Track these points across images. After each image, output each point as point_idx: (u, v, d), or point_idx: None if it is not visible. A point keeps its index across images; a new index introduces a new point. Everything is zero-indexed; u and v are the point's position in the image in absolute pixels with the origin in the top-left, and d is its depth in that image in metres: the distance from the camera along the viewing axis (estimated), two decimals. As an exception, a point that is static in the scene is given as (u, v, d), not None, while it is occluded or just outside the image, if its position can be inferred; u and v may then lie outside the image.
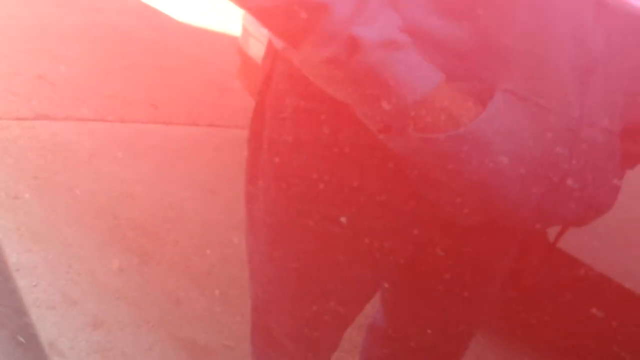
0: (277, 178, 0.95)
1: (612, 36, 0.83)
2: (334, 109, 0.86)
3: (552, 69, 0.82)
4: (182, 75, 3.39)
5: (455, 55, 0.83)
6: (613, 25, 0.82)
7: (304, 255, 0.98)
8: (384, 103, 0.81)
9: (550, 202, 0.86)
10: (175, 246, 2.13)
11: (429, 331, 1.10)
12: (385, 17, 0.80)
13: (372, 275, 1.02)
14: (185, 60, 3.57)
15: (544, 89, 0.83)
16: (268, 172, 0.96)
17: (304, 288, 1.01)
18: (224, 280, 2.05)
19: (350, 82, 0.82)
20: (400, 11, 0.82)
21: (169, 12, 4.09)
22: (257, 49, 2.69)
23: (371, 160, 0.89)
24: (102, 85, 3.06)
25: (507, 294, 1.12)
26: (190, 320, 1.83)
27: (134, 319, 1.79)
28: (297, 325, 1.05)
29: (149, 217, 2.23)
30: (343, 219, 0.93)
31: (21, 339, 1.58)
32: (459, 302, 1.06)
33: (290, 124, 0.91)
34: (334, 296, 1.01)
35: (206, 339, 1.78)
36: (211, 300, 1.96)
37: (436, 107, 0.82)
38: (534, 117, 0.82)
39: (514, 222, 0.94)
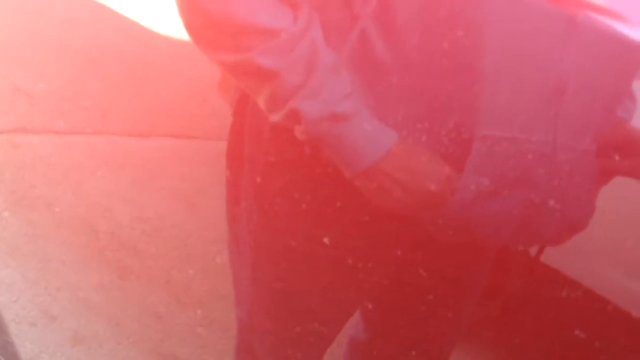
0: (259, 198, 0.96)
1: (585, 52, 0.84)
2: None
3: (523, 96, 0.84)
4: (161, 87, 3.38)
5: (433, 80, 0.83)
6: (585, 41, 0.83)
7: (288, 275, 0.99)
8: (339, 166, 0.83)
9: (531, 223, 0.88)
10: (155, 260, 2.13)
11: (413, 352, 1.11)
12: (331, 87, 0.81)
13: (356, 296, 1.03)
14: (163, 72, 3.56)
15: (516, 119, 0.84)
16: (250, 192, 0.97)
17: (288, 309, 1.02)
18: (205, 294, 2.05)
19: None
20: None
21: (147, 25, 4.08)
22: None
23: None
24: (79, 98, 3.04)
25: (489, 309, 1.13)
26: (170, 335, 1.83)
27: (114, 335, 1.78)
28: (280, 346, 1.06)
29: (129, 230, 2.22)
30: (326, 240, 0.93)
31: (0, 357, 1.57)
32: (442, 321, 1.07)
33: (271, 144, 0.92)
34: (317, 317, 1.02)
35: (187, 354, 1.78)
36: (192, 315, 1.96)
37: (388, 174, 0.83)
38: (513, 149, 0.84)
39: (495, 242, 0.96)
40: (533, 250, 1.05)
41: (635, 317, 1.49)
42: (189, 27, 0.84)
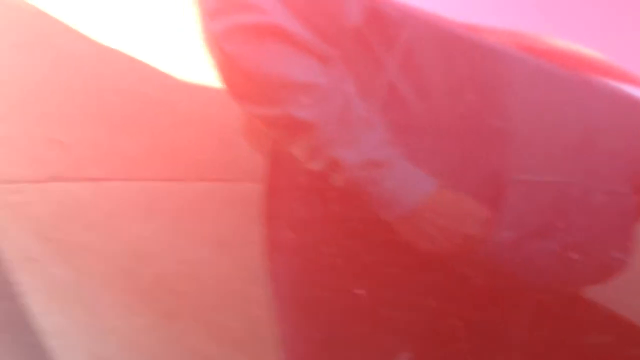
0: (293, 253, 1.00)
1: (609, 106, 0.87)
2: (342, 187, 0.91)
3: (552, 144, 0.87)
4: (190, 133, 3.44)
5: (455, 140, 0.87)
6: (606, 98, 0.87)
7: (328, 326, 1.02)
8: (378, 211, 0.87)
9: (568, 265, 0.91)
10: (195, 301, 2.17)
11: None
12: (367, 136, 0.85)
13: (392, 345, 1.06)
14: (191, 118, 3.63)
15: (548, 164, 0.87)
16: (285, 247, 1.01)
17: (326, 359, 1.05)
18: (244, 333, 2.08)
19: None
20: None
21: (174, 74, 4.16)
22: (260, 105, 2.74)
23: (381, 233, 0.93)
24: (112, 144, 3.11)
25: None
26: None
27: (162, 376, 1.82)
28: None
29: (168, 273, 2.26)
30: (360, 291, 0.97)
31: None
32: None
33: (301, 202, 0.96)
34: None
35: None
36: (231, 354, 1.99)
37: (427, 218, 0.86)
38: (546, 192, 0.87)
39: (533, 286, 0.98)
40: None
41: None
42: (226, 82, 0.89)
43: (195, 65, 4.30)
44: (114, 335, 1.94)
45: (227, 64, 0.85)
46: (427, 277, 0.94)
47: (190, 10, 0.92)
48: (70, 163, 2.91)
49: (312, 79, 0.84)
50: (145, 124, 3.53)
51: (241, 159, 3.25)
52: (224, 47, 0.84)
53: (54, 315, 1.98)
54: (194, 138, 3.46)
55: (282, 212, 1.01)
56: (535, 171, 0.85)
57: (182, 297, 2.16)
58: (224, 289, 2.34)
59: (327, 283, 0.98)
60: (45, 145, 2.99)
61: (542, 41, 0.81)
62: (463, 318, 1.01)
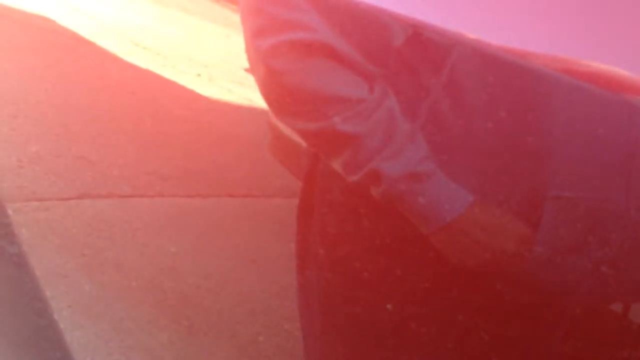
0: (323, 269, 1.00)
1: None
2: (372, 201, 0.92)
3: (592, 162, 0.87)
4: (215, 149, 3.48)
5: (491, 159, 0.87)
6: None
7: (355, 341, 1.02)
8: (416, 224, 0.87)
9: (605, 283, 0.90)
10: (221, 316, 2.17)
11: None
12: (410, 150, 0.86)
13: None
14: (216, 134, 3.67)
15: (587, 181, 0.87)
16: (314, 263, 1.02)
17: None
18: (270, 348, 2.08)
19: (382, 200, 0.88)
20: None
21: (198, 90, 4.22)
22: (286, 122, 2.75)
23: (412, 249, 0.93)
24: (139, 162, 3.15)
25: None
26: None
27: (187, 391, 1.82)
28: None
29: (194, 289, 2.27)
30: (389, 306, 0.97)
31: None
32: None
33: (334, 217, 0.97)
34: None
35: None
36: (258, 369, 1.99)
37: (465, 231, 0.86)
38: (585, 209, 0.86)
39: (570, 303, 0.97)
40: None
41: None
42: (269, 98, 0.90)
43: (224, 84, 4.36)
44: (138, 350, 1.95)
45: (273, 80, 0.86)
46: (456, 293, 0.94)
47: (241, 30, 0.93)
48: (99, 180, 2.95)
49: (357, 94, 0.84)
50: (173, 142, 3.58)
51: (269, 175, 3.27)
52: (270, 63, 0.85)
53: (80, 330, 1.99)
54: (222, 155, 3.49)
55: (312, 228, 1.01)
56: (573, 188, 0.84)
57: (208, 313, 2.17)
58: (251, 305, 2.35)
59: (357, 298, 0.98)
60: (74, 163, 3.04)
61: (582, 64, 0.81)
62: (492, 333, 1.00)
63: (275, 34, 0.87)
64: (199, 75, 4.74)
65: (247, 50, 0.90)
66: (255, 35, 0.90)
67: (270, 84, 0.87)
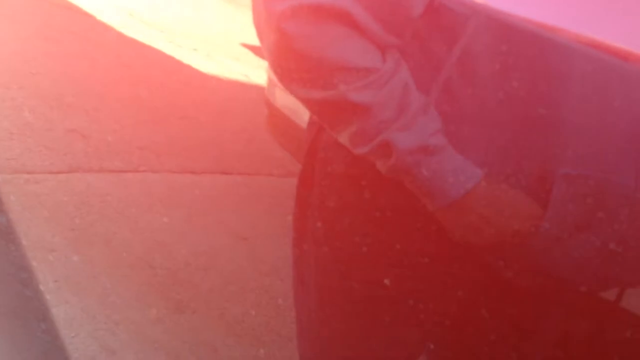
0: (323, 242, 0.98)
1: None
2: (374, 175, 0.89)
3: (603, 140, 0.84)
4: (210, 125, 3.45)
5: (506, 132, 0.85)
6: None
7: (351, 316, 1.00)
8: (422, 199, 0.84)
9: (609, 265, 0.88)
10: (210, 294, 2.15)
11: None
12: (422, 122, 0.83)
13: (418, 336, 1.03)
14: (212, 111, 3.64)
15: (598, 160, 0.84)
16: (315, 236, 0.99)
17: (351, 349, 1.03)
18: (259, 326, 2.06)
19: (389, 175, 0.85)
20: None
21: (195, 65, 4.18)
22: (283, 100, 2.74)
23: (413, 223, 0.91)
24: (132, 137, 3.12)
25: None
26: (228, 368, 1.84)
27: (172, 368, 1.80)
28: None
29: (184, 266, 2.25)
30: (387, 281, 0.94)
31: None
32: None
33: (333, 190, 0.94)
34: (380, 357, 1.03)
35: (245, 387, 1.79)
36: (247, 347, 1.96)
37: (474, 208, 0.84)
38: (594, 188, 0.84)
39: (574, 284, 0.95)
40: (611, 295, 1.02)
41: None
42: (279, 65, 0.87)
43: (221, 59, 4.30)
44: (125, 326, 1.93)
45: (286, 45, 0.82)
46: (457, 269, 0.92)
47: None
48: (90, 154, 2.90)
49: (370, 64, 0.81)
50: (167, 117, 3.54)
51: (263, 153, 3.24)
52: (284, 26, 0.81)
53: (67, 304, 1.96)
54: (216, 132, 3.46)
55: (310, 201, 0.98)
56: (583, 165, 0.82)
57: (197, 290, 2.14)
58: (242, 282, 2.32)
59: (354, 272, 0.95)
60: (66, 136, 3.01)
61: (601, 40, 0.79)
62: (491, 310, 0.98)
63: None
64: (196, 49, 4.69)
65: (258, 14, 0.86)
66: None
67: (283, 49, 0.83)
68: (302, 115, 2.50)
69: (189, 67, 4.19)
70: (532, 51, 0.83)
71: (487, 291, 0.97)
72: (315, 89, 0.84)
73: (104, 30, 4.62)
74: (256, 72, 4.09)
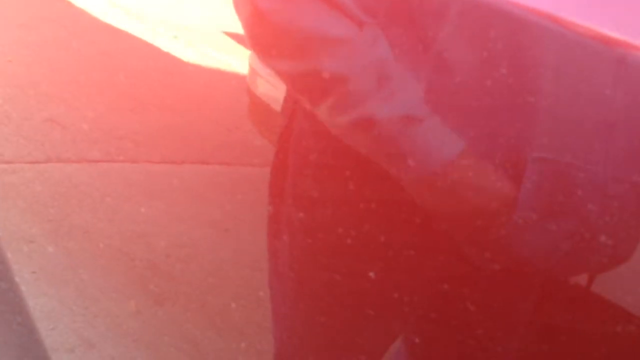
0: (302, 233, 0.96)
1: (634, 91, 0.84)
2: (358, 164, 0.88)
3: (575, 126, 0.84)
4: (191, 115, 3.41)
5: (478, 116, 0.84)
6: (634, 81, 0.83)
7: (332, 309, 0.99)
8: (402, 174, 0.83)
9: (579, 256, 0.87)
10: (190, 286, 2.13)
11: None
12: (405, 92, 0.82)
13: (403, 330, 1.03)
14: (193, 100, 3.60)
15: (570, 146, 0.84)
16: (293, 227, 0.97)
17: (331, 341, 1.02)
18: (240, 319, 2.04)
19: (366, 149, 0.84)
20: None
21: (176, 54, 4.14)
22: (264, 89, 2.72)
23: (398, 215, 0.89)
24: (111, 127, 3.08)
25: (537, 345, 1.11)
26: (208, 361, 1.82)
27: (152, 361, 1.78)
28: None
29: (164, 257, 2.23)
30: (372, 274, 0.93)
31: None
32: (491, 356, 1.05)
33: (315, 180, 0.93)
34: (361, 350, 1.02)
35: (225, 380, 1.77)
36: (228, 340, 1.95)
37: (451, 181, 0.83)
38: (566, 174, 0.83)
39: (542, 270, 0.95)
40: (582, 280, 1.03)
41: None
42: (254, 37, 0.86)
43: (201, 47, 4.26)
44: (104, 318, 1.90)
45: (259, 19, 0.80)
46: (442, 261, 0.90)
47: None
48: (68, 144, 2.86)
49: (348, 34, 0.80)
50: (147, 106, 3.50)
51: (245, 143, 3.22)
52: (257, 1, 0.80)
53: (44, 296, 1.93)
54: (197, 121, 3.43)
55: (291, 191, 0.96)
56: (556, 151, 0.81)
57: (177, 282, 2.12)
58: (222, 274, 2.30)
59: (337, 264, 0.93)
60: (44, 125, 2.96)
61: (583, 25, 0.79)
62: (477, 303, 0.96)
63: None
64: (176, 37, 4.64)
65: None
66: None
67: (256, 23, 0.82)
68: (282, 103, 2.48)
69: (168, 55, 4.14)
70: (509, 37, 0.82)
71: (472, 284, 0.96)
72: (293, 61, 0.83)
73: (82, 17, 4.55)
74: (238, 60, 4.05)
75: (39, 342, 1.77)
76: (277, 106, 2.85)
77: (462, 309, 0.98)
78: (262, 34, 0.84)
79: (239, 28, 0.89)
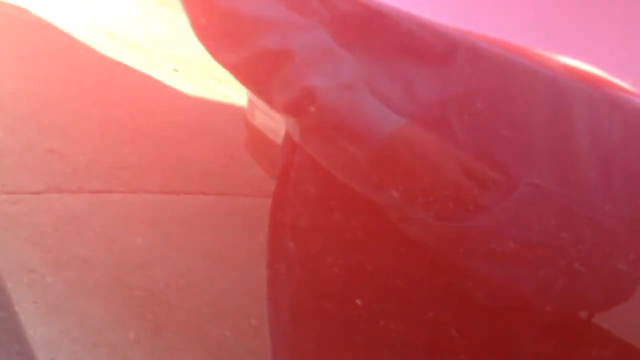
0: (293, 263, 0.99)
1: (629, 129, 0.86)
2: (345, 196, 0.90)
3: (574, 160, 0.85)
4: (190, 146, 3.45)
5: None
6: (629, 116, 0.85)
7: (324, 337, 1.01)
8: (353, 147, 0.84)
9: (561, 287, 0.89)
10: (189, 315, 2.15)
11: None
12: (345, 69, 0.84)
13: (390, 357, 1.04)
14: (191, 132, 3.64)
15: (566, 179, 0.85)
16: (287, 257, 1.01)
17: None
18: (237, 348, 2.06)
19: (315, 133, 0.86)
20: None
21: (174, 86, 4.18)
22: (262, 120, 2.76)
23: (384, 244, 0.92)
24: (111, 158, 3.11)
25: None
26: (207, 390, 1.84)
27: (151, 390, 1.79)
28: None
29: (162, 287, 2.25)
30: (359, 301, 0.96)
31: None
32: None
33: (303, 211, 0.96)
34: None
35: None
36: (226, 370, 1.96)
37: (403, 152, 0.84)
38: (557, 203, 0.85)
39: (524, 303, 0.96)
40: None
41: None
42: (197, 28, 0.88)
43: (201, 80, 4.31)
44: (105, 348, 1.92)
45: (208, 7, 0.84)
46: (428, 289, 0.93)
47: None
48: (69, 175, 2.90)
49: (290, 18, 0.83)
50: (147, 137, 3.53)
51: (243, 174, 3.25)
52: None
53: (45, 325, 1.96)
54: (196, 152, 3.46)
55: (283, 221, 1.00)
56: (548, 180, 0.84)
57: (176, 311, 2.14)
58: (220, 304, 2.32)
59: (326, 293, 0.96)
60: (45, 156, 3.00)
61: (549, 57, 0.81)
62: (463, 332, 0.98)
63: None
64: (176, 70, 4.70)
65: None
66: None
67: (196, 10, 0.85)
68: (280, 134, 2.52)
69: (169, 88, 4.20)
70: (498, 73, 0.84)
71: (457, 312, 0.97)
72: (239, 49, 0.86)
73: (83, 50, 4.61)
74: (236, 92, 4.11)
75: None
76: (275, 137, 2.90)
77: (448, 337, 1.00)
78: (203, 22, 0.87)
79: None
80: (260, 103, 2.76)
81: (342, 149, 0.85)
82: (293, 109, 0.85)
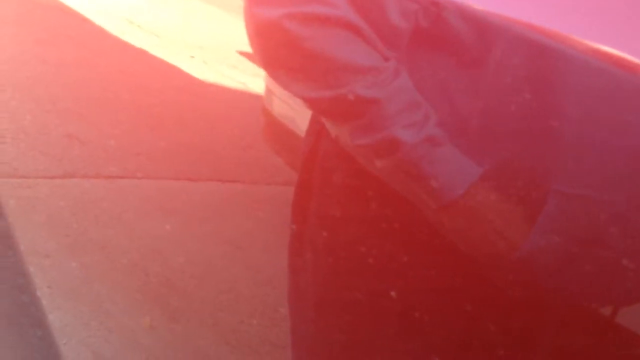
0: (325, 252, 0.97)
1: None
2: (380, 185, 0.89)
3: (595, 155, 0.84)
4: (207, 133, 3.44)
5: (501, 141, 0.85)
6: None
7: (352, 328, 0.99)
8: (425, 197, 0.85)
9: (602, 282, 0.87)
10: (204, 303, 2.14)
11: None
12: (429, 118, 0.85)
13: (422, 350, 1.02)
14: (209, 119, 3.63)
15: (589, 178, 0.85)
16: (316, 246, 0.99)
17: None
18: (253, 336, 2.05)
19: (389, 174, 0.86)
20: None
21: (193, 73, 4.18)
22: (280, 108, 2.74)
23: (420, 235, 0.90)
24: (129, 143, 3.11)
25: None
26: (221, 377, 1.83)
27: (165, 377, 1.78)
28: None
29: (178, 273, 2.24)
30: (393, 294, 0.94)
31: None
32: None
33: (338, 200, 0.94)
34: None
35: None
36: (241, 357, 1.95)
37: (478, 201, 0.85)
38: (585, 206, 0.84)
39: (565, 300, 0.95)
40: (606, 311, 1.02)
41: None
42: (279, 61, 0.87)
43: (217, 67, 4.30)
44: (118, 334, 1.91)
45: (291, 44, 0.83)
46: (464, 281, 0.91)
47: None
48: (86, 160, 2.89)
49: (376, 64, 0.83)
50: (164, 123, 3.53)
51: (259, 162, 3.24)
52: (289, 27, 0.82)
53: (59, 310, 1.95)
54: (213, 139, 3.45)
55: (310, 210, 0.98)
56: (576, 184, 0.82)
57: (191, 299, 2.13)
58: (235, 292, 2.31)
59: (359, 283, 0.94)
60: (61, 141, 2.99)
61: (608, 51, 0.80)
62: (499, 324, 0.95)
63: (288, 5, 0.84)
64: (193, 57, 4.69)
65: (260, 18, 0.86)
66: (258, 4, 0.86)
67: (288, 48, 0.84)
68: (299, 123, 2.49)
69: (186, 74, 4.19)
70: (534, 63, 0.84)
71: (494, 306, 0.96)
72: (324, 89, 0.85)
73: (101, 35, 4.62)
74: (253, 80, 4.09)
75: (56, 356, 1.78)
76: (293, 126, 2.88)
77: (483, 329, 0.98)
78: (292, 59, 0.86)
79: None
80: (278, 91, 2.74)
81: (414, 192, 0.87)
82: (374, 152, 0.86)
